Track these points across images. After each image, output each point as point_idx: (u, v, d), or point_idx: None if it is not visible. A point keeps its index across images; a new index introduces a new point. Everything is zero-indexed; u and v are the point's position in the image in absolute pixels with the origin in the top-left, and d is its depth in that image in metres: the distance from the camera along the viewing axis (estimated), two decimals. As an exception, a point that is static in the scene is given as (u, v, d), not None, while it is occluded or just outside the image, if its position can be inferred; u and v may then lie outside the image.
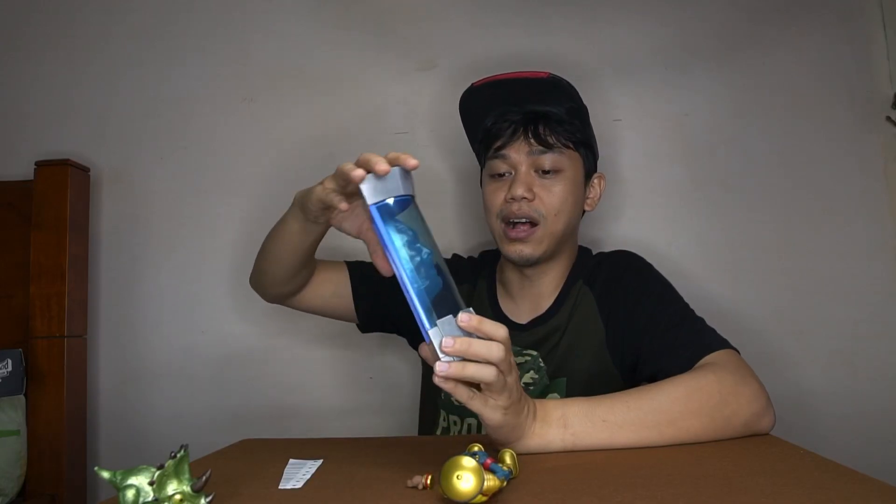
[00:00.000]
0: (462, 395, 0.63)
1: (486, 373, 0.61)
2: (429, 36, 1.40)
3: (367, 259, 0.77)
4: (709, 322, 0.91)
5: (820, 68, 1.32)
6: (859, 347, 1.25)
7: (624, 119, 1.35)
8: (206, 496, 0.49)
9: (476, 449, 0.62)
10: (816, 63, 1.32)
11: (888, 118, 1.28)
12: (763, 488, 0.56)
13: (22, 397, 1.24)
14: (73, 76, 1.46)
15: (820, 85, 1.31)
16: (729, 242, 1.30)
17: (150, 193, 1.42)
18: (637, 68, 1.35)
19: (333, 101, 1.41)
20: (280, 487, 0.61)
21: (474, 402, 0.63)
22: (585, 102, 1.02)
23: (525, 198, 0.93)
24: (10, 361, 1.23)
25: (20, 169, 1.38)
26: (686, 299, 0.94)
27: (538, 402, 0.73)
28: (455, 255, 1.16)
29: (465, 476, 0.52)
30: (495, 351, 0.61)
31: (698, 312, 0.92)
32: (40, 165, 1.33)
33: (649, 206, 1.33)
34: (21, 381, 1.24)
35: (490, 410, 0.64)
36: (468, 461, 0.53)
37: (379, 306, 1.08)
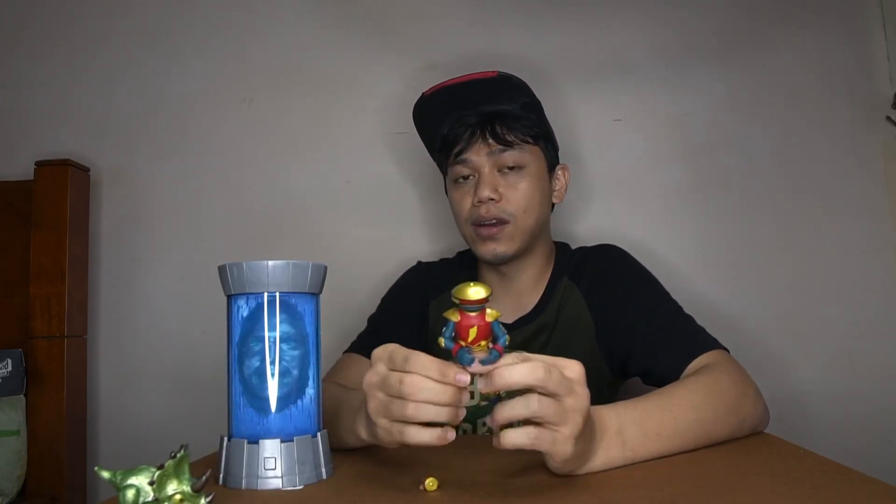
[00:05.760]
0: (520, 440, 0.54)
1: (524, 408, 0.53)
2: (429, 36, 1.40)
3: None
4: (708, 322, 0.91)
5: (820, 68, 1.31)
6: (859, 347, 1.25)
7: (624, 119, 1.34)
8: (206, 496, 0.49)
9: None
10: (816, 63, 1.32)
11: (888, 118, 1.28)
12: (763, 488, 0.56)
13: (22, 397, 1.24)
14: (73, 76, 1.46)
15: (820, 85, 1.31)
16: (729, 242, 1.30)
17: (150, 193, 1.42)
18: (637, 68, 1.35)
19: (333, 101, 1.41)
20: (280, 487, 0.61)
21: (540, 443, 0.54)
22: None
23: (492, 199, 0.93)
24: (10, 361, 1.23)
25: (20, 169, 1.38)
26: (686, 299, 0.94)
27: (592, 409, 0.62)
28: (420, 263, 1.13)
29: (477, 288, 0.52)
30: (531, 372, 0.53)
31: (698, 312, 0.92)
32: (40, 165, 1.32)
33: (649, 205, 1.33)
34: (21, 381, 1.24)
35: (560, 445, 0.55)
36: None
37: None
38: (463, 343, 0.54)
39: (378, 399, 0.59)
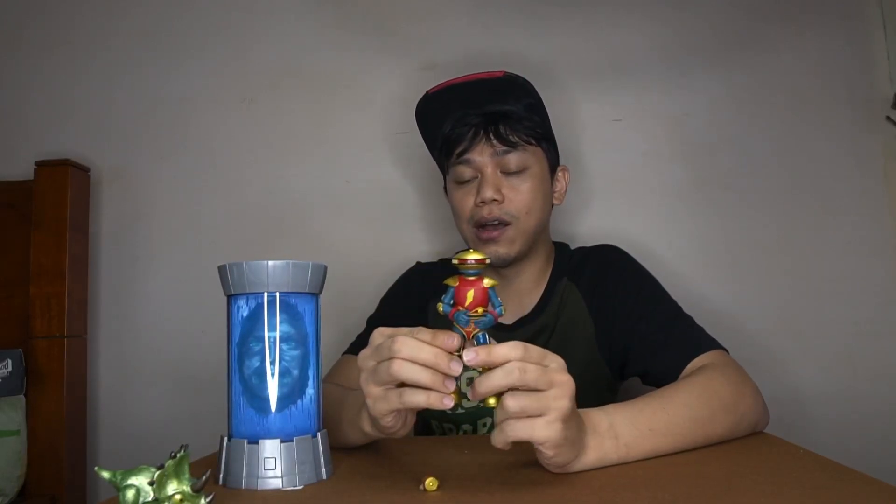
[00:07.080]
0: (520, 433, 0.56)
1: (504, 376, 0.54)
2: (429, 36, 1.40)
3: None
4: (708, 322, 0.91)
5: (820, 68, 1.31)
6: (859, 347, 1.25)
7: (624, 119, 1.34)
8: (206, 496, 0.49)
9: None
10: (816, 63, 1.32)
11: (888, 118, 1.28)
12: (763, 488, 0.56)
13: (22, 397, 1.24)
14: (73, 76, 1.46)
15: (820, 85, 1.31)
16: (729, 242, 1.30)
17: (150, 193, 1.42)
18: (637, 68, 1.35)
19: (333, 101, 1.41)
20: (280, 487, 0.61)
21: (527, 429, 0.56)
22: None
23: (495, 200, 0.92)
24: (10, 361, 1.23)
25: (20, 169, 1.38)
26: (686, 299, 0.94)
27: (581, 411, 0.65)
28: (419, 264, 1.13)
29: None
30: (512, 349, 0.55)
31: (698, 312, 0.92)
32: (40, 165, 1.33)
33: (649, 205, 1.33)
34: (21, 381, 1.24)
35: (545, 430, 0.56)
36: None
37: None
38: (461, 307, 0.56)
39: (369, 368, 0.60)
